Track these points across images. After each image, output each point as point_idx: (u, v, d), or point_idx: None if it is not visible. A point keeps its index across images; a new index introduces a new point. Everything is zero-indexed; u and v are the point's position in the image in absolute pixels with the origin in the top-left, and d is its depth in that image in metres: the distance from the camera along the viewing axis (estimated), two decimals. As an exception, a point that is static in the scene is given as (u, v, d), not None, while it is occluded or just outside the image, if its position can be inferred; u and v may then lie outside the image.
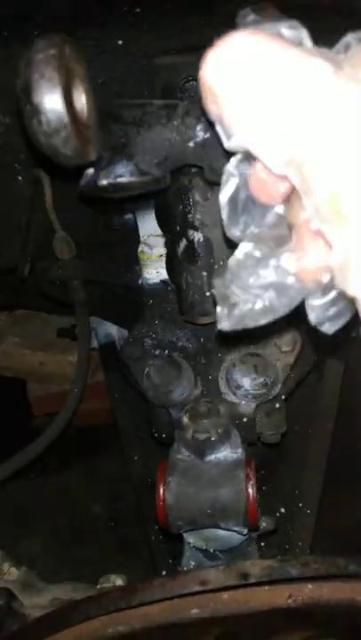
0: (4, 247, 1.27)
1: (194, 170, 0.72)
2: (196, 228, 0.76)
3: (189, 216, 0.75)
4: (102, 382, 1.61)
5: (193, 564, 0.80)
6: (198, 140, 0.66)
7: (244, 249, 0.42)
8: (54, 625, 0.59)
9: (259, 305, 0.41)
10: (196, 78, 0.96)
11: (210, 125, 0.38)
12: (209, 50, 0.36)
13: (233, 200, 0.41)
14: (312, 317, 0.42)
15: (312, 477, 1.19)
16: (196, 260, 0.78)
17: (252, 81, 0.34)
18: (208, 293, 0.80)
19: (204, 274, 0.79)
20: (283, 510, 1.15)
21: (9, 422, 1.99)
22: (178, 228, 0.78)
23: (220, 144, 0.38)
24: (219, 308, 0.42)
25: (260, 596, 0.57)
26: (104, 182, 0.63)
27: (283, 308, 0.41)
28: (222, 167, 0.40)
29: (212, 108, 0.37)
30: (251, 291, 0.41)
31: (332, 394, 1.29)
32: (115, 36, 1.04)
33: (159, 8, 1.02)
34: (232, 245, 0.42)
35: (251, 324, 0.42)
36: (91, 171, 0.65)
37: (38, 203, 1.22)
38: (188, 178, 0.75)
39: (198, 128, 0.66)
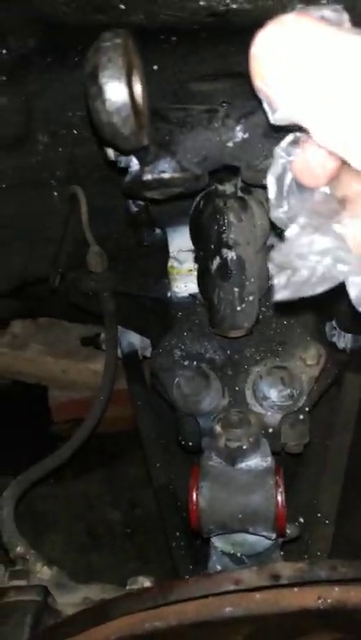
0: (38, 259, 1.33)
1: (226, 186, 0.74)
2: (229, 247, 0.80)
3: (223, 236, 0.79)
4: (123, 390, 1.65)
5: (219, 567, 0.83)
6: (237, 140, 0.71)
7: (301, 220, 0.42)
8: (93, 619, 0.63)
9: (317, 272, 0.42)
10: (229, 104, 1.01)
11: (258, 103, 0.40)
12: (259, 30, 0.39)
13: (280, 180, 0.43)
14: (353, 295, 0.43)
15: (331, 488, 1.21)
16: (229, 277, 0.82)
17: (300, 57, 0.36)
18: (239, 308, 0.84)
19: (236, 290, 0.83)
20: (301, 520, 1.17)
21: (29, 428, 2.03)
22: (212, 246, 0.82)
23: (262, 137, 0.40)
24: (276, 280, 0.44)
25: (291, 597, 0.60)
26: (148, 177, 0.68)
27: (339, 275, 0.42)
28: (260, 165, 0.42)
29: (261, 84, 0.39)
30: (309, 257, 0.41)
31: (350, 406, 1.31)
32: (150, 61, 1.10)
33: (194, 35, 1.07)
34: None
35: (308, 292, 0.43)
36: (135, 167, 0.69)
37: (72, 218, 1.27)
38: (223, 200, 0.79)
39: (238, 129, 0.70)
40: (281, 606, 0.60)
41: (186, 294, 1.07)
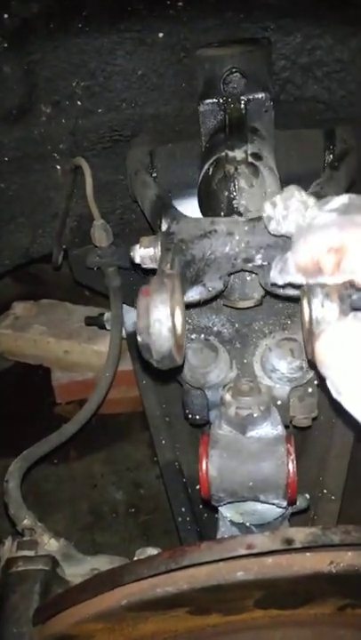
0: (41, 235, 1.31)
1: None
2: (240, 214, 0.78)
3: (234, 202, 0.78)
4: (125, 371, 1.65)
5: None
6: (257, 264, 0.74)
7: None
8: (106, 583, 0.63)
9: None
10: (239, 70, 0.99)
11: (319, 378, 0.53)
12: (320, 332, 0.53)
13: None
14: None
15: (337, 465, 1.21)
16: (239, 246, 0.81)
17: (355, 357, 0.50)
18: (249, 278, 0.83)
19: (246, 259, 0.81)
20: (307, 496, 1.17)
21: (32, 409, 2.03)
22: (222, 214, 0.81)
23: None
24: None
25: (303, 562, 0.60)
26: None
27: None
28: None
29: (326, 372, 0.53)
30: None
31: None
32: (156, 28, 1.08)
33: (200, 2, 1.05)
34: None
35: None
36: None
37: (76, 192, 1.25)
38: (233, 166, 0.77)
39: (258, 257, 0.73)
40: (293, 570, 0.59)
41: (192, 268, 1.06)
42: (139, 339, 0.62)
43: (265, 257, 0.71)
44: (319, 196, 0.72)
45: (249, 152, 0.80)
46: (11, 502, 0.93)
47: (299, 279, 0.57)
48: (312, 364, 0.58)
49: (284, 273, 0.58)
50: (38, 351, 2.04)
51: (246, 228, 0.72)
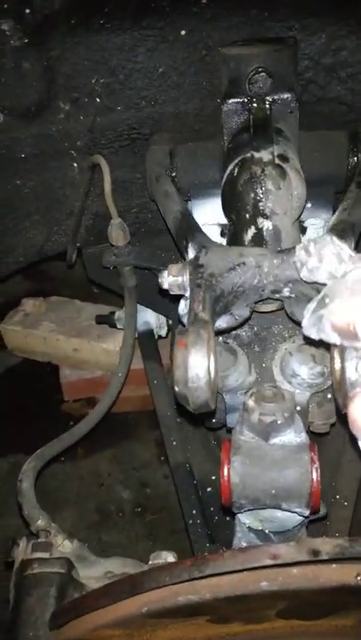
0: (56, 233, 1.30)
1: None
2: (266, 217, 0.77)
3: (260, 204, 0.77)
4: (133, 370, 1.64)
5: (244, 544, 0.81)
6: (285, 295, 0.75)
7: None
8: (127, 590, 0.62)
9: None
10: (265, 70, 0.97)
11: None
12: (354, 395, 0.55)
13: None
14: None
15: (350, 471, 1.20)
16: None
17: None
18: (272, 281, 0.82)
19: (271, 262, 0.80)
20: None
21: (40, 407, 2.02)
22: (247, 215, 0.79)
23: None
24: None
25: (330, 574, 0.58)
26: None
27: None
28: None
29: (358, 435, 0.56)
30: None
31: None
32: (178, 26, 1.06)
33: (224, 0, 1.03)
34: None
35: None
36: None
37: (92, 190, 1.24)
38: (260, 167, 0.76)
39: (286, 290, 0.74)
40: (319, 582, 0.58)
41: (211, 269, 1.04)
42: (176, 388, 0.63)
43: (293, 290, 0.72)
44: (347, 225, 0.73)
45: (275, 153, 0.79)
46: (25, 502, 0.92)
47: (334, 339, 0.57)
48: (342, 419, 0.59)
49: (319, 330, 0.57)
50: (47, 348, 2.03)
51: (275, 262, 0.72)
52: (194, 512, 1.19)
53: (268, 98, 0.94)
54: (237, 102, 0.96)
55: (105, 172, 1.12)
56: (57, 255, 1.36)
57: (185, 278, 0.72)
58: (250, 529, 0.79)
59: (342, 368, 0.59)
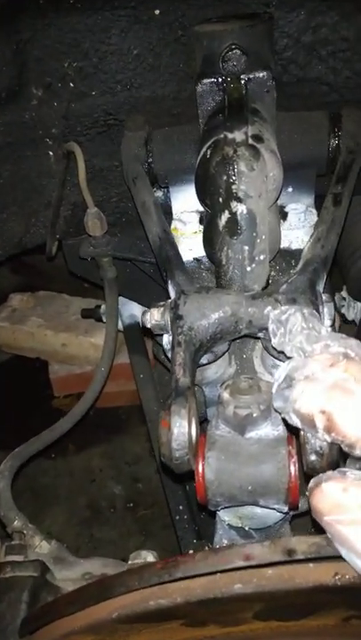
0: (34, 225, 1.26)
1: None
2: (239, 200, 0.73)
3: (233, 187, 0.73)
4: (123, 365, 1.61)
5: (225, 542, 0.79)
6: (260, 336, 0.77)
7: None
8: (95, 595, 0.59)
9: None
10: (239, 47, 0.93)
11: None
12: (315, 488, 0.55)
13: None
14: None
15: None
16: (239, 233, 0.76)
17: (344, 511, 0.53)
18: (249, 268, 0.78)
19: (246, 248, 0.77)
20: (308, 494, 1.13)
21: (30, 402, 2.00)
22: (220, 199, 0.76)
23: None
24: None
25: (306, 574, 0.56)
26: None
27: None
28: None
29: (322, 520, 0.55)
30: None
31: None
32: (152, 5, 1.02)
33: (198, -24, 0.99)
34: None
35: None
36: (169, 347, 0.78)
37: (69, 179, 1.20)
38: (232, 148, 0.72)
39: (260, 334, 0.77)
40: (295, 583, 0.56)
41: (190, 258, 1.01)
42: (162, 458, 0.67)
43: (267, 334, 0.72)
44: (320, 263, 0.76)
45: (249, 134, 0.75)
46: (0, 503, 0.89)
47: (296, 422, 0.58)
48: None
49: (286, 409, 0.58)
50: (36, 344, 2.00)
51: (250, 310, 0.74)
52: (180, 507, 1.16)
53: (243, 77, 0.90)
54: (212, 82, 0.92)
55: (79, 160, 1.09)
56: (37, 248, 1.32)
57: (166, 320, 0.76)
58: (230, 526, 0.77)
59: (304, 450, 0.61)
